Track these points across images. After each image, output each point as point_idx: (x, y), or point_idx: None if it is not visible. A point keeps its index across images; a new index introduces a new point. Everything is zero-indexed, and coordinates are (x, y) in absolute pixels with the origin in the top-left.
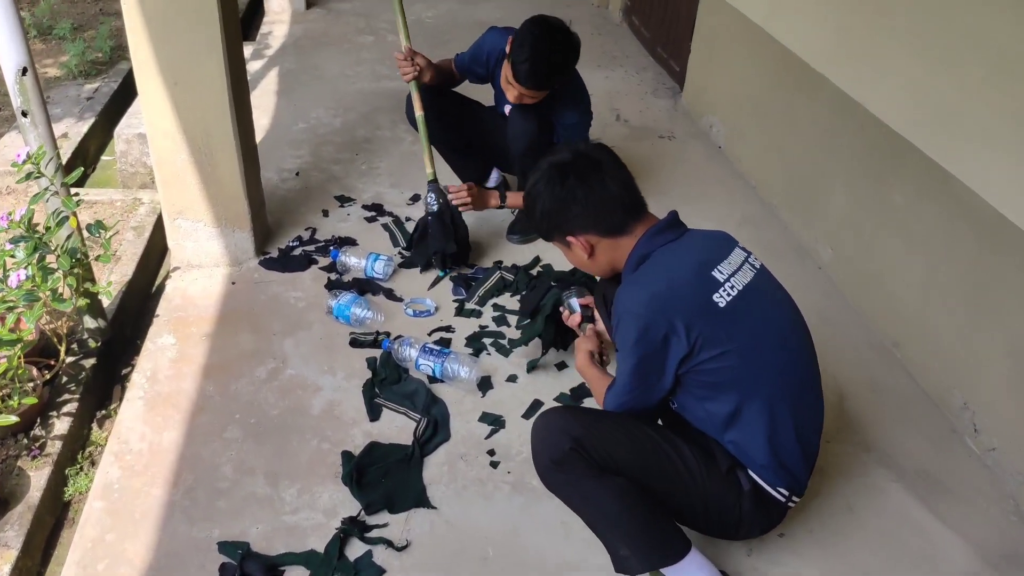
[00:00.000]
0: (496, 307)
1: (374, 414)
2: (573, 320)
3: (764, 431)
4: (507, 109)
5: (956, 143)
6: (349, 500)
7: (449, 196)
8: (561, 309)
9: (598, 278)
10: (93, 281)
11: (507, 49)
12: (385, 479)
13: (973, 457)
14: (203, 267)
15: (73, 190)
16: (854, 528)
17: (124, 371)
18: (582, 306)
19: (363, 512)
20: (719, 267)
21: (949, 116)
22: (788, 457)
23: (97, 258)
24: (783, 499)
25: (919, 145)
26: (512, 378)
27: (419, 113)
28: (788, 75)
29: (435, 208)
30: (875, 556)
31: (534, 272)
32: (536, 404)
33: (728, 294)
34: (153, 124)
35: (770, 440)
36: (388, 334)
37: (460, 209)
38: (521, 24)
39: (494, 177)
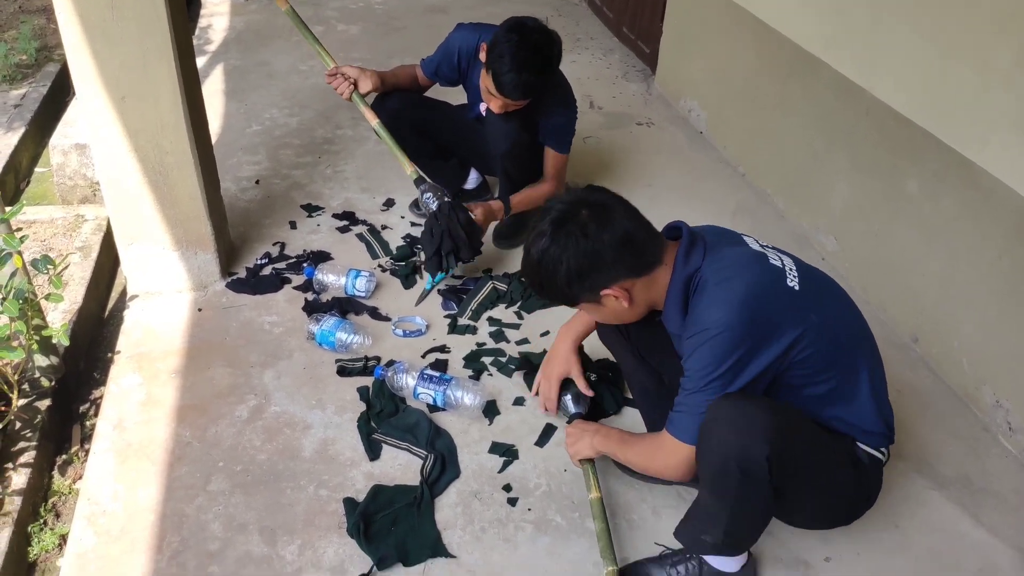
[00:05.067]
0: (492, 321)
1: (373, 452)
2: (553, 410)
3: (870, 397)
4: (483, 108)
5: (979, 131)
6: (358, 555)
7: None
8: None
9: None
10: (43, 320)
11: (483, 57)
12: (395, 527)
13: (1011, 458)
14: (164, 294)
15: (14, 222)
16: (903, 547)
17: (82, 408)
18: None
19: (375, 568)
20: (770, 256)
21: (971, 103)
22: (888, 414)
23: (47, 297)
24: (884, 458)
25: (936, 133)
26: (519, 401)
27: (374, 123)
28: (778, 56)
29: (435, 206)
30: None
31: None
32: (548, 430)
33: (794, 275)
34: (100, 143)
35: (876, 403)
36: (378, 359)
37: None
38: (496, 32)
39: (473, 178)
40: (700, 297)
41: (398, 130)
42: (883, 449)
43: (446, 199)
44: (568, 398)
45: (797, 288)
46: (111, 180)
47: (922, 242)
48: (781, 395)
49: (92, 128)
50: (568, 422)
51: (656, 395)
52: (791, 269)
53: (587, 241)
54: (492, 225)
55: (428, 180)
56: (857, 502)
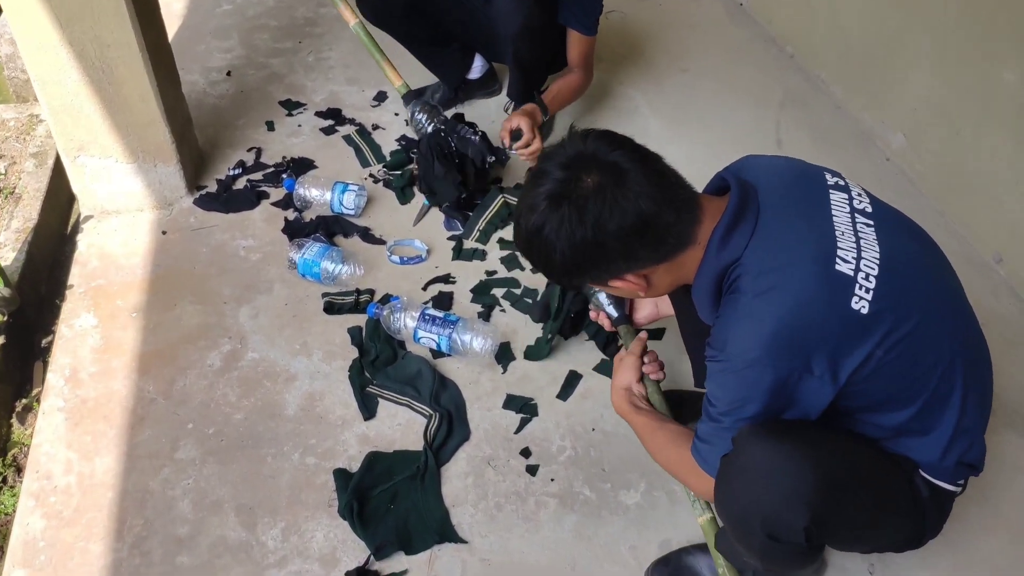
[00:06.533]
0: (503, 243)
1: (368, 410)
2: (605, 322)
3: (951, 428)
4: None
5: None
6: (351, 539)
7: (513, 153)
8: (590, 308)
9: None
10: None
11: None
12: (394, 505)
13: None
14: (122, 213)
15: None
16: (993, 524)
17: (45, 340)
18: (615, 301)
19: (372, 558)
20: (840, 251)
21: None
22: (977, 452)
23: None
24: (959, 489)
25: None
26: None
27: (352, 23)
28: None
29: (429, 129)
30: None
31: None
32: (573, 378)
33: (867, 290)
34: (27, 37)
35: (962, 441)
36: (372, 293)
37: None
38: None
39: (478, 66)
40: (731, 306)
41: (387, 13)
42: (960, 482)
43: (439, 122)
44: (601, 295)
45: (865, 311)
46: (46, 81)
47: (1019, 145)
48: (837, 423)
49: (16, 19)
50: (613, 323)
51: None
52: (868, 275)
53: (584, 229)
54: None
55: (419, 94)
56: (911, 541)
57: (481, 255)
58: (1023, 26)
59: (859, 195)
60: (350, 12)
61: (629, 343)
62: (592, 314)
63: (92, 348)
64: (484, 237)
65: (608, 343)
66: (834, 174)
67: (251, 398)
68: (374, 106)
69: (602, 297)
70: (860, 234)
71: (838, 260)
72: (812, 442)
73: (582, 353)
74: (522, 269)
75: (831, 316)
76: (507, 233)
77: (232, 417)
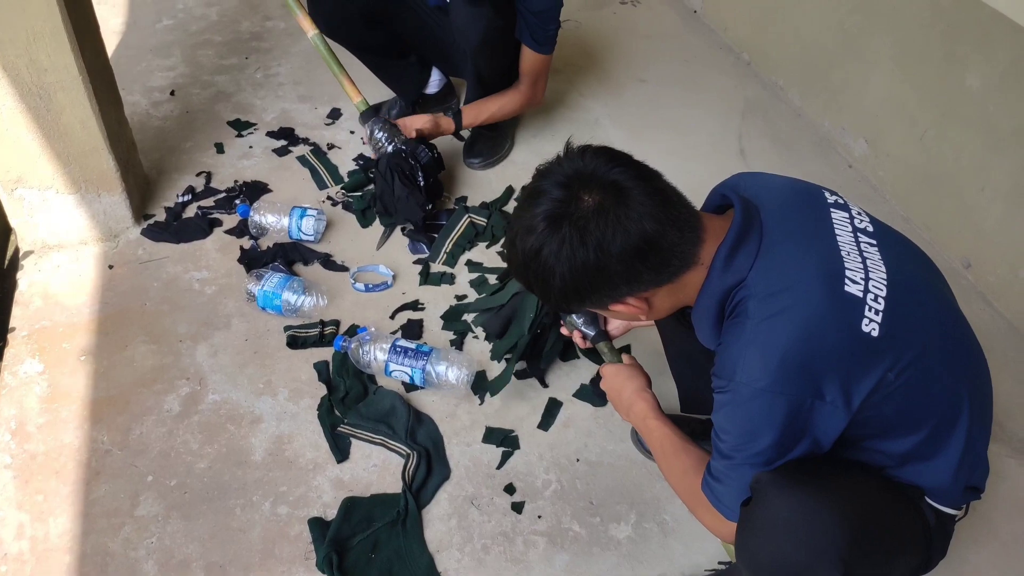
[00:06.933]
0: (471, 265)
1: (341, 451)
2: (580, 341)
3: (959, 451)
4: None
5: None
6: None
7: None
8: (562, 326)
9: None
10: None
11: None
12: (376, 554)
13: None
14: (65, 248)
15: None
16: (985, 535)
17: None
18: (589, 319)
19: None
20: (848, 272)
21: None
22: (980, 475)
23: None
24: (960, 514)
25: (1011, 15)
26: (519, 375)
27: (311, 33)
28: None
29: (389, 148)
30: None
31: (510, 210)
32: (553, 406)
33: (876, 311)
34: None
35: (966, 466)
36: (337, 324)
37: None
38: None
39: (436, 80)
40: (736, 330)
41: (342, 23)
42: (963, 506)
43: (400, 141)
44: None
45: (876, 334)
46: None
47: (984, 149)
48: (844, 453)
49: None
50: (591, 341)
51: (699, 361)
52: (876, 297)
53: (586, 251)
54: (463, 144)
55: (378, 111)
56: (921, 568)
57: (450, 279)
58: (985, 28)
59: (859, 213)
60: (309, 22)
61: (613, 358)
62: (564, 332)
63: (39, 397)
64: (451, 259)
65: (567, 349)
66: (832, 192)
67: (214, 444)
68: (328, 124)
69: (576, 316)
70: (865, 254)
71: (847, 281)
72: (833, 489)
73: (559, 379)
74: (493, 293)
75: (842, 340)
76: (475, 254)
77: (195, 466)
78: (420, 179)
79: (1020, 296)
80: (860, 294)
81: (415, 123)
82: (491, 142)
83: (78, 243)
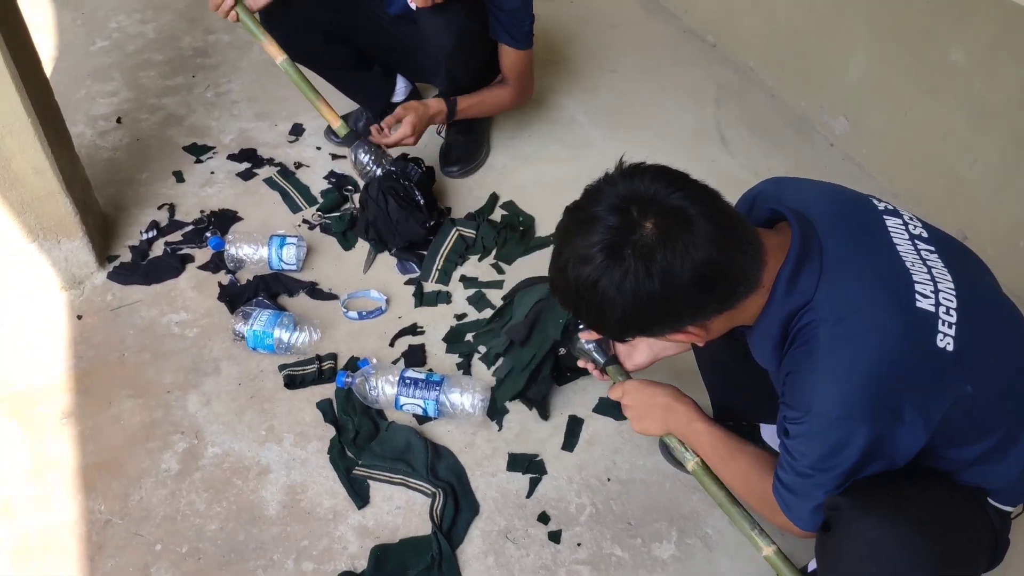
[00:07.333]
0: (466, 281)
1: (360, 496)
2: (592, 369)
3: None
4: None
5: None
6: None
7: (383, 141)
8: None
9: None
10: None
11: None
12: None
13: None
14: (27, 300)
15: None
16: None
17: None
18: (599, 346)
19: None
20: (917, 285)
21: None
22: None
23: None
24: (1018, 510)
25: None
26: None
27: (280, 59)
28: None
29: (378, 171)
30: None
31: (497, 218)
32: (575, 424)
33: (950, 324)
34: None
35: None
36: (335, 358)
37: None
38: None
39: (401, 88)
40: (807, 359)
41: (302, 41)
42: (1020, 505)
43: (388, 163)
44: (582, 341)
45: (951, 348)
46: None
47: (970, 123)
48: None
49: None
50: (601, 369)
51: (733, 370)
52: (948, 309)
53: (652, 283)
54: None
55: (358, 135)
56: (987, 566)
57: (446, 298)
58: (968, 3)
59: (911, 219)
60: (276, 48)
61: (624, 381)
62: (580, 363)
63: (23, 469)
64: (444, 277)
65: (560, 375)
66: (879, 199)
67: (223, 502)
68: (291, 141)
69: (585, 343)
70: (928, 262)
71: (917, 296)
72: (912, 508)
73: (576, 395)
74: (493, 307)
75: (918, 360)
76: (468, 269)
77: (206, 529)
78: (419, 197)
79: (1020, 266)
80: (932, 308)
81: (397, 136)
82: (467, 148)
83: (40, 294)
